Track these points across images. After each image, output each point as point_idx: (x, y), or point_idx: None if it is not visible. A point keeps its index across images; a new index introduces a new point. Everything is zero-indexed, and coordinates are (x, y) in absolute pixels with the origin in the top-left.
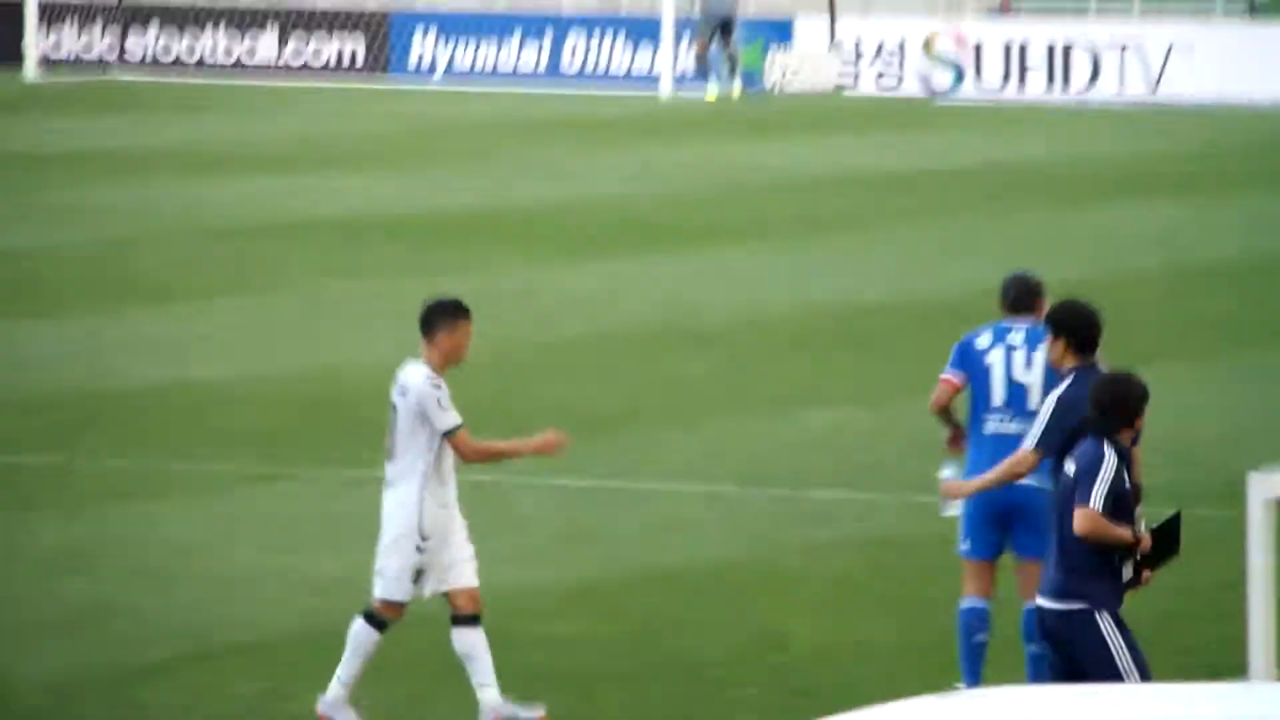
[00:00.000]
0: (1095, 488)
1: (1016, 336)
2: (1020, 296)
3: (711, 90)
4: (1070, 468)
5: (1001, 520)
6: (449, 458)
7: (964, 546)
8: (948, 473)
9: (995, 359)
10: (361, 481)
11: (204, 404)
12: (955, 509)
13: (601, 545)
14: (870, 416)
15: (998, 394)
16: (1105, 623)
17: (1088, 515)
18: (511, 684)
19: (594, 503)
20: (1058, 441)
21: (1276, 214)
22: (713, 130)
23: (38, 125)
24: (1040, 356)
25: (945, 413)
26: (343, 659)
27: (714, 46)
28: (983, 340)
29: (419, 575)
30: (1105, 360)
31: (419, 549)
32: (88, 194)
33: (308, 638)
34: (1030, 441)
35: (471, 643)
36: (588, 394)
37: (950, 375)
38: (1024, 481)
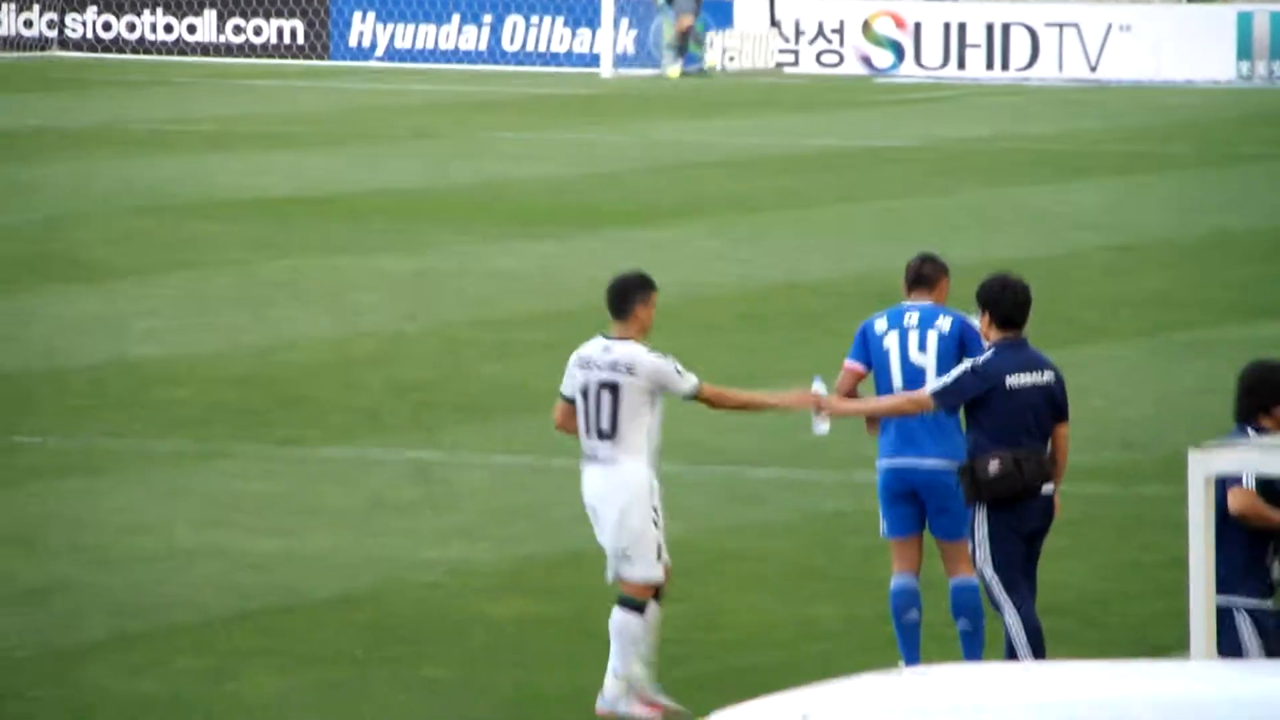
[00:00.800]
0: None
1: (912, 318)
2: (917, 277)
3: (674, 68)
4: None
5: (909, 498)
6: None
7: (882, 528)
8: (818, 386)
9: (891, 342)
10: (301, 459)
11: (141, 382)
12: (826, 426)
13: (541, 523)
14: None
15: (896, 377)
16: (1244, 624)
17: (1241, 494)
18: (452, 663)
19: (534, 481)
20: (956, 404)
21: (1213, 192)
22: (653, 110)
23: None
24: (933, 336)
25: (853, 398)
26: (613, 652)
27: (657, 25)
28: (880, 324)
29: (659, 548)
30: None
31: (655, 523)
32: (25, 171)
33: (248, 615)
34: (932, 388)
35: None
36: (528, 372)
37: (852, 363)
38: (927, 463)
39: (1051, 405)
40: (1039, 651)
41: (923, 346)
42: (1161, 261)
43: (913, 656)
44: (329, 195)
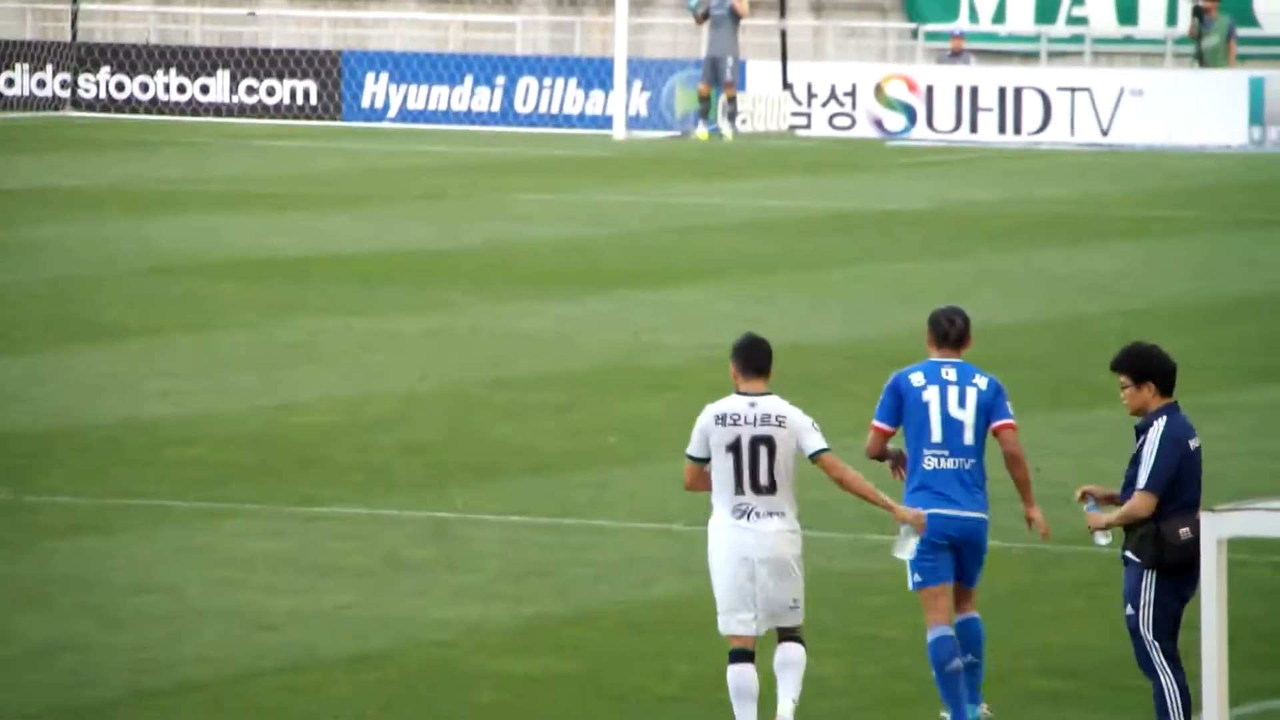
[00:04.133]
0: None
1: (949, 373)
2: (949, 333)
3: (702, 132)
4: None
5: (952, 549)
6: None
7: (917, 579)
8: (1090, 509)
9: (931, 397)
10: (313, 518)
11: (155, 441)
12: (1108, 538)
13: (554, 582)
14: None
15: (935, 432)
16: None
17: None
18: None
19: (547, 540)
20: (1168, 480)
21: (1226, 257)
22: (666, 172)
23: None
24: (973, 392)
25: (882, 457)
26: (790, 683)
27: (670, 87)
28: (917, 378)
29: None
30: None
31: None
32: (40, 231)
33: (261, 674)
34: (1145, 483)
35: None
36: (541, 433)
37: (881, 424)
38: (971, 514)
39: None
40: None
41: (962, 403)
42: (1175, 326)
43: (958, 706)
44: (342, 256)
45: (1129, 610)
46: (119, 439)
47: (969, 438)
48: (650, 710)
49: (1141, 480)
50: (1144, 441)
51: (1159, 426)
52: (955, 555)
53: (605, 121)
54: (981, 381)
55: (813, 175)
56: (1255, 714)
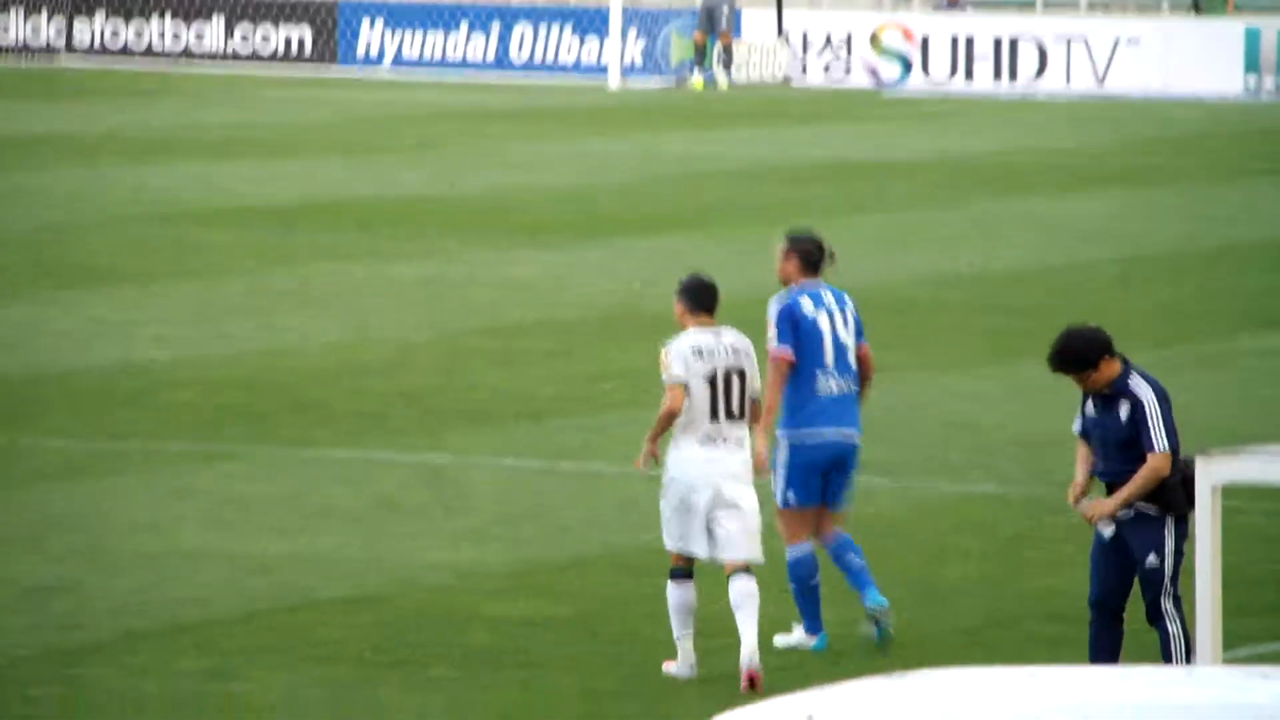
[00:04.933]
0: None
1: (828, 298)
2: (818, 260)
3: (697, 80)
4: None
5: (824, 470)
6: None
7: (789, 497)
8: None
9: (824, 324)
10: (308, 461)
11: (149, 385)
12: (1110, 528)
13: (548, 526)
14: None
15: (828, 356)
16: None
17: None
18: (458, 664)
19: (542, 485)
20: (1174, 434)
21: (1221, 205)
22: (660, 121)
23: None
24: (850, 315)
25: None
26: (751, 618)
27: (665, 35)
28: (806, 305)
29: None
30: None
31: None
32: (34, 178)
33: (253, 616)
34: (1159, 445)
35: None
36: (536, 379)
37: (784, 349)
38: (852, 438)
39: None
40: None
41: (846, 324)
42: (1170, 273)
43: (816, 620)
44: (337, 203)
45: (1152, 561)
46: (113, 383)
47: (851, 360)
48: (643, 653)
49: (1155, 444)
50: (1135, 407)
51: (1143, 390)
52: (824, 479)
53: (600, 70)
54: (849, 301)
55: (808, 124)
56: (1248, 657)
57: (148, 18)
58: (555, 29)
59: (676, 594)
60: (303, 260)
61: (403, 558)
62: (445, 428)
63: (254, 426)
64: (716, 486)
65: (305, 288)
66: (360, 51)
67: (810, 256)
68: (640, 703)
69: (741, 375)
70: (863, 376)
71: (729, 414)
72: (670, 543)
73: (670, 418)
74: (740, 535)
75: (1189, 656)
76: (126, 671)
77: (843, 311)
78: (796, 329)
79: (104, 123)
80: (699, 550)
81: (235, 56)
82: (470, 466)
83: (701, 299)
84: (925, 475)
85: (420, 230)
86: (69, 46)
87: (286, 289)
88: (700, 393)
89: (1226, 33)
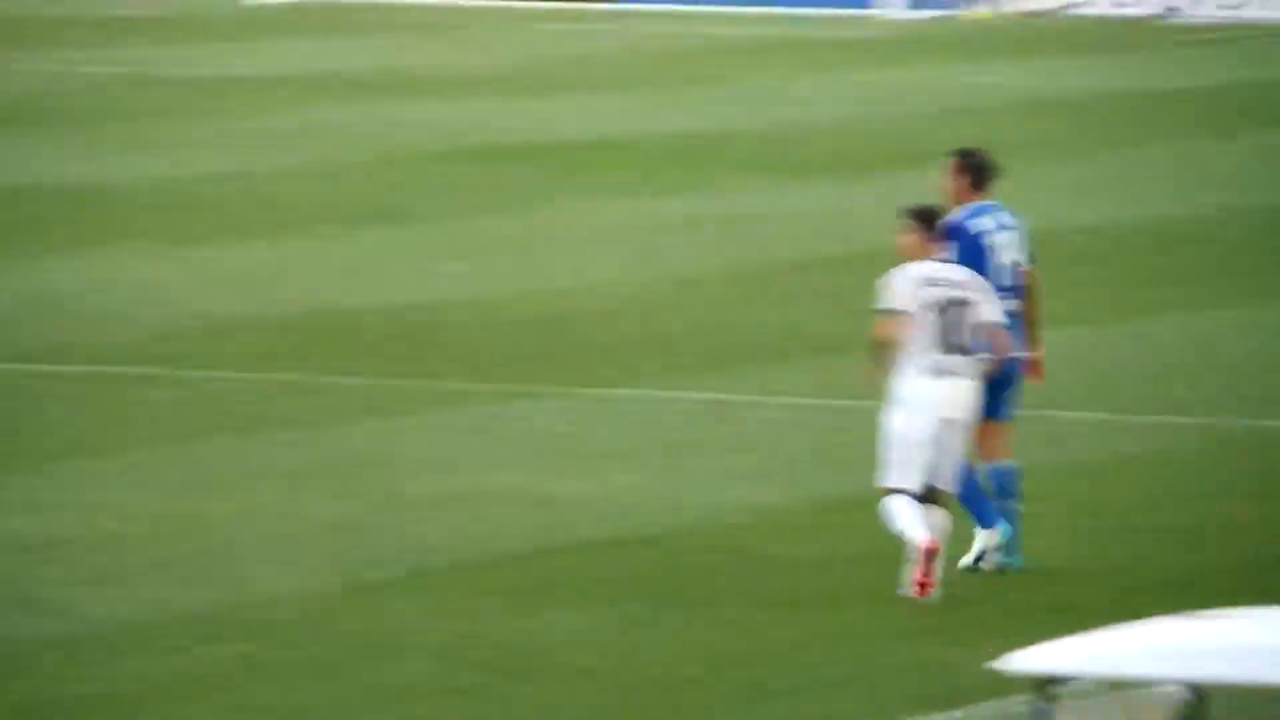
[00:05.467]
0: None
1: (1000, 217)
2: (990, 175)
3: (983, 10)
4: None
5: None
6: None
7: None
8: None
9: (995, 241)
10: (597, 400)
11: (439, 324)
12: None
13: (833, 464)
14: (1120, 334)
15: (998, 272)
16: None
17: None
18: (753, 604)
19: (829, 423)
20: None
21: None
22: (933, 52)
23: (257, 49)
24: (1021, 236)
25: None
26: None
27: None
28: (980, 223)
29: None
30: None
31: None
32: (312, 116)
33: (543, 554)
34: None
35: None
36: (816, 316)
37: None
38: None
39: None
40: None
41: (1016, 244)
42: None
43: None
44: (616, 140)
45: None
46: (405, 322)
47: (1017, 279)
48: (949, 590)
49: None
50: None
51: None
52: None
53: (865, 1)
54: (1021, 226)
55: (1083, 55)
56: None
57: None
58: None
59: (906, 505)
60: (582, 197)
61: (691, 497)
62: (726, 364)
63: (541, 365)
64: (944, 420)
65: (585, 225)
66: None
67: (982, 174)
68: (949, 636)
69: (966, 306)
70: (1029, 299)
71: (955, 347)
72: (891, 474)
73: (886, 345)
74: (946, 467)
75: None
76: (422, 610)
77: (1013, 231)
78: (972, 246)
79: (377, 60)
80: (907, 482)
81: None
82: (758, 405)
83: (935, 227)
84: (1223, 412)
85: (696, 167)
86: None
87: (567, 226)
88: (929, 322)
89: None
